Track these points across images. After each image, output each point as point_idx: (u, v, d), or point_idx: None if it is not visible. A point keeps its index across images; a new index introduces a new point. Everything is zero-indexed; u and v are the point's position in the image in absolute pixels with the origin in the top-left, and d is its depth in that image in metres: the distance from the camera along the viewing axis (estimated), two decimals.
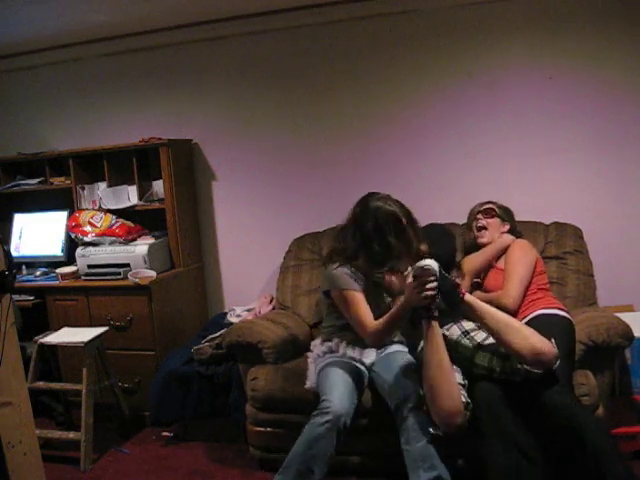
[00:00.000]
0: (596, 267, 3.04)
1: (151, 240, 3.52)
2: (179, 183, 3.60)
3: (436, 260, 2.20)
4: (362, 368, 2.49)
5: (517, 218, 3.00)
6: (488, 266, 2.83)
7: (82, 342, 3.03)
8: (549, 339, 2.10)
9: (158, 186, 3.64)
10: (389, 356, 2.52)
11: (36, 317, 3.49)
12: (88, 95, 3.96)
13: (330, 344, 2.56)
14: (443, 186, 3.42)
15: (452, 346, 2.28)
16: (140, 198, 3.65)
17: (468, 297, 2.19)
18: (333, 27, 3.48)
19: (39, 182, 3.85)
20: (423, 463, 2.18)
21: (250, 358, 2.82)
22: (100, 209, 3.65)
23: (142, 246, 3.44)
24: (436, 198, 3.42)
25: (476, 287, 2.84)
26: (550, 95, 3.21)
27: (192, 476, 2.85)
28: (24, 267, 3.79)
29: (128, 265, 3.41)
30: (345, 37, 3.47)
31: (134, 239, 3.52)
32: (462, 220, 3.19)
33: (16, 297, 3.23)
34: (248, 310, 3.47)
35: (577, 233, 3.07)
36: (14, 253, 3.66)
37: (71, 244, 3.69)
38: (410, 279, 2.18)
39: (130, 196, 3.70)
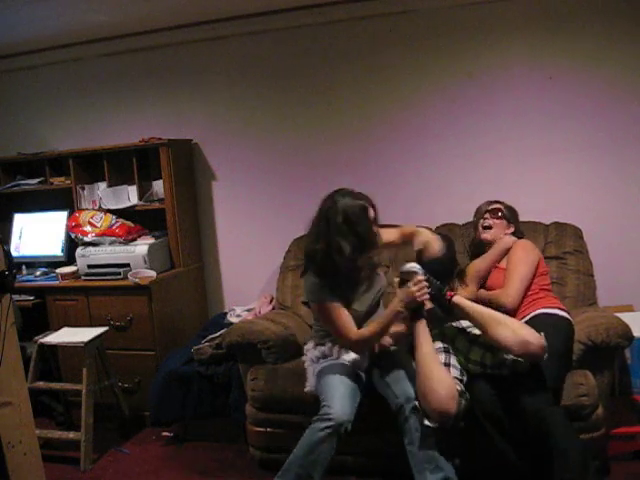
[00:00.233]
0: (596, 267, 3.04)
1: (151, 240, 3.52)
2: (179, 183, 3.60)
3: (438, 272, 2.24)
4: (358, 371, 2.48)
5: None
6: (489, 270, 2.84)
7: (82, 342, 3.03)
8: (538, 332, 2.13)
9: (158, 186, 3.64)
10: (389, 356, 2.51)
11: (36, 317, 3.49)
12: (88, 95, 3.97)
13: (323, 348, 2.53)
14: (443, 186, 3.42)
15: (450, 342, 2.32)
16: (140, 198, 3.65)
17: (456, 298, 2.24)
18: (333, 27, 3.48)
19: (39, 182, 3.85)
20: (429, 465, 2.18)
21: (250, 358, 2.82)
22: (100, 209, 3.65)
23: (142, 246, 3.44)
24: (436, 198, 3.42)
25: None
26: (550, 95, 3.21)
27: (192, 476, 2.85)
28: (24, 267, 3.79)
29: (128, 265, 3.41)
30: (345, 37, 3.47)
31: (134, 239, 3.52)
32: (462, 220, 3.19)
33: (16, 297, 3.23)
34: (248, 310, 3.47)
35: (577, 233, 3.07)
36: (14, 253, 3.66)
37: (71, 244, 3.69)
38: (397, 284, 2.26)
39: (130, 196, 3.70)
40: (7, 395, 2.08)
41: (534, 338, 2.09)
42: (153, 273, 3.38)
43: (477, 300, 2.71)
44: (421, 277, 2.20)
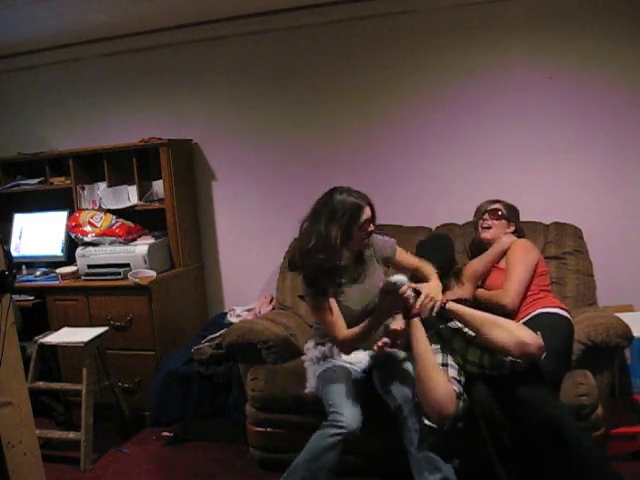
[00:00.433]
0: (596, 267, 3.03)
1: (151, 240, 3.52)
2: (179, 183, 3.60)
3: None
4: (360, 372, 2.48)
5: None
6: (488, 270, 2.84)
7: (82, 342, 3.03)
8: (535, 332, 2.12)
9: (158, 186, 3.64)
10: (389, 357, 2.51)
11: (36, 317, 3.49)
12: (88, 95, 3.97)
13: (324, 349, 2.53)
14: (443, 186, 3.42)
15: (447, 342, 2.32)
16: (140, 198, 3.65)
17: (450, 305, 2.24)
18: (333, 27, 3.48)
19: (39, 182, 3.85)
20: (428, 465, 2.18)
21: (250, 358, 2.82)
22: (100, 209, 3.65)
23: (142, 246, 3.45)
24: (436, 198, 3.42)
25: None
26: (550, 95, 3.21)
27: (192, 476, 2.85)
28: (24, 267, 3.79)
29: (128, 265, 3.41)
30: (345, 37, 3.47)
31: (134, 239, 3.52)
32: (462, 220, 3.19)
33: (16, 297, 3.24)
34: (248, 310, 3.47)
35: (577, 233, 3.07)
36: (14, 253, 3.67)
37: (71, 244, 3.69)
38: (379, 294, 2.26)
39: (130, 196, 3.70)
40: (7, 395, 2.07)
41: (531, 338, 2.09)
42: (153, 273, 3.38)
43: (475, 300, 2.73)
44: (404, 289, 2.18)
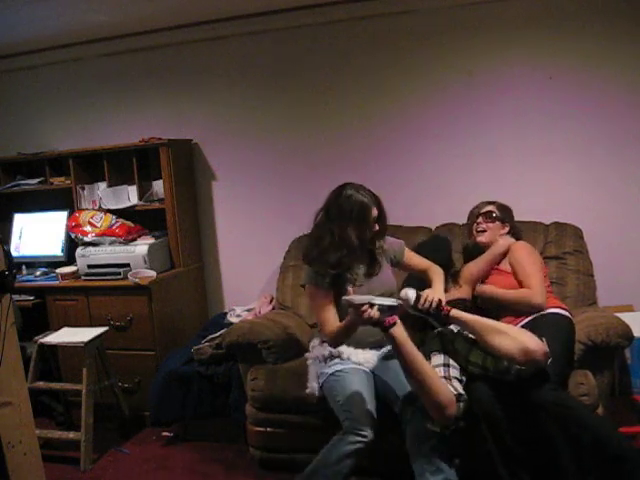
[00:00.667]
0: (596, 267, 3.03)
1: (151, 240, 3.52)
2: (179, 183, 3.60)
3: None
4: (369, 373, 2.48)
5: (517, 218, 2.99)
6: (487, 273, 2.82)
7: (82, 342, 3.03)
8: (540, 338, 2.11)
9: (158, 186, 3.64)
10: (391, 358, 2.51)
11: (36, 317, 3.49)
12: (88, 95, 3.97)
13: (331, 347, 2.52)
14: (443, 186, 3.42)
15: (449, 342, 2.31)
16: (140, 198, 3.65)
17: (453, 312, 2.23)
18: (333, 27, 3.48)
19: (39, 182, 3.85)
20: (429, 466, 2.17)
21: (250, 358, 2.82)
22: (100, 209, 3.65)
23: (142, 246, 3.44)
24: (436, 198, 3.42)
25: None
26: (550, 95, 3.21)
27: (192, 476, 2.85)
28: (24, 267, 3.79)
29: (128, 265, 3.41)
30: (345, 37, 3.47)
31: (134, 239, 3.52)
32: (462, 220, 3.19)
33: (16, 297, 3.24)
34: (248, 310, 3.47)
35: (577, 233, 3.07)
36: (14, 253, 3.67)
37: (71, 244, 3.69)
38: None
39: (130, 196, 3.70)
40: (7, 395, 2.07)
41: (536, 345, 2.06)
42: (153, 273, 3.38)
43: (474, 300, 2.72)
44: (365, 308, 2.08)
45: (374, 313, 2.08)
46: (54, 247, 3.81)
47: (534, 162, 3.27)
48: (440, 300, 2.25)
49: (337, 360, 2.49)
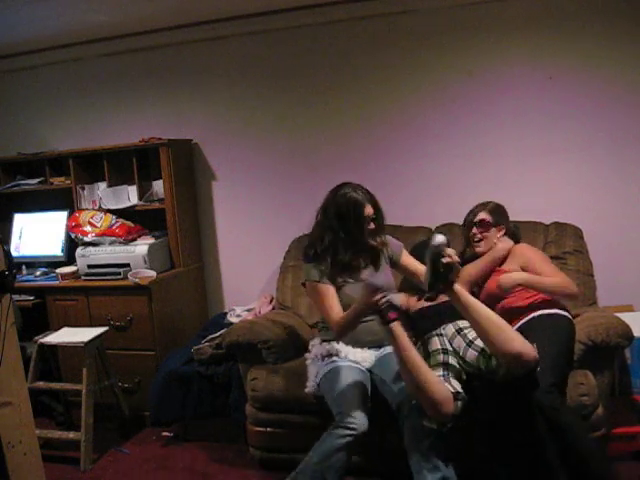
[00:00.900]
0: (596, 267, 3.04)
1: (151, 240, 3.52)
2: (179, 183, 3.60)
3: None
4: (365, 371, 2.48)
5: (517, 218, 2.99)
6: (485, 275, 2.80)
7: (82, 342, 3.03)
8: (532, 343, 2.07)
9: (158, 186, 3.64)
10: (389, 356, 2.51)
11: (36, 317, 3.49)
12: (88, 95, 3.97)
13: (329, 347, 2.53)
14: (443, 186, 3.42)
15: (448, 341, 2.32)
16: (140, 198, 3.65)
17: (457, 288, 2.13)
18: (333, 27, 3.48)
19: (39, 182, 3.85)
20: (427, 464, 2.17)
21: (250, 358, 2.82)
22: (100, 209, 3.65)
23: (142, 246, 3.44)
24: (436, 198, 3.42)
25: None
26: (550, 95, 3.21)
27: (192, 476, 2.85)
28: (24, 267, 3.79)
29: (128, 265, 3.41)
30: (345, 37, 3.47)
31: (134, 239, 3.52)
32: (462, 220, 3.18)
33: (16, 297, 3.24)
34: (248, 310, 3.47)
35: (577, 233, 3.08)
36: (14, 253, 3.66)
37: (71, 244, 3.69)
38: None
39: (130, 196, 3.70)
40: (7, 395, 2.08)
41: (528, 350, 2.02)
42: (153, 273, 3.38)
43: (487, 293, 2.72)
44: (376, 295, 2.15)
45: (384, 302, 2.14)
46: (54, 247, 3.81)
47: (534, 162, 3.27)
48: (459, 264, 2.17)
49: (335, 358, 2.50)
